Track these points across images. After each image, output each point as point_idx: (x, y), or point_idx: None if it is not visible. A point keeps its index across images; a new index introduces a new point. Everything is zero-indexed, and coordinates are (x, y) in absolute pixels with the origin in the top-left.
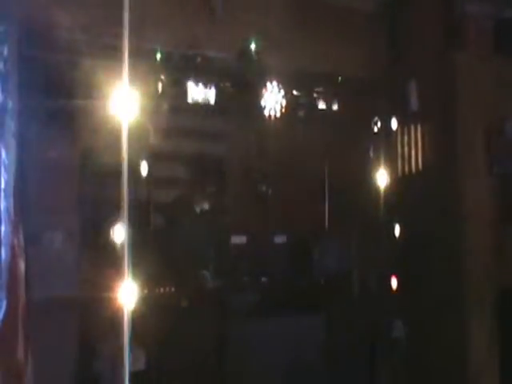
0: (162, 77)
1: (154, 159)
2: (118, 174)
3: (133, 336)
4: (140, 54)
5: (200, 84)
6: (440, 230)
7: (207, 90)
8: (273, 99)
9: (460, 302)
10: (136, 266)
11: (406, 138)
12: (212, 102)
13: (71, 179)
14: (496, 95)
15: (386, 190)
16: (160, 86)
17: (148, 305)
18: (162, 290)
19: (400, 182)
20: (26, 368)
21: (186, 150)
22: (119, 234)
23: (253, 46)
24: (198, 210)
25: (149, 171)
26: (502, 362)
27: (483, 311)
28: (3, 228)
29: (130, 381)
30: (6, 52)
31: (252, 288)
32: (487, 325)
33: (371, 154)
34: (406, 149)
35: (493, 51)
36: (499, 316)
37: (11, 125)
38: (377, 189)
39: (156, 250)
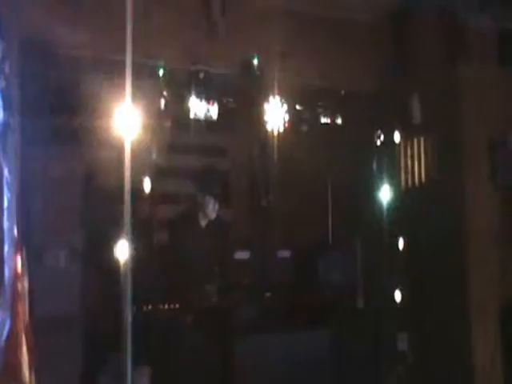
0: (165, 93)
1: (157, 175)
2: (121, 190)
3: (136, 353)
4: (143, 71)
5: (203, 100)
6: (443, 243)
7: (210, 105)
8: (276, 114)
9: (464, 315)
10: (139, 282)
11: (408, 150)
12: (215, 117)
13: (74, 197)
14: (500, 107)
15: (389, 203)
16: (163, 102)
17: (152, 321)
18: (165, 306)
19: (403, 194)
20: None
21: (188, 165)
22: (122, 250)
23: (255, 61)
24: (201, 225)
25: (152, 187)
26: (506, 372)
27: (486, 324)
28: (6, 247)
29: None
30: (7, 69)
31: (256, 303)
32: (491, 338)
33: (374, 167)
34: (409, 161)
35: (496, 63)
36: (502, 329)
37: (14, 143)
38: (380, 202)
39: (159, 266)
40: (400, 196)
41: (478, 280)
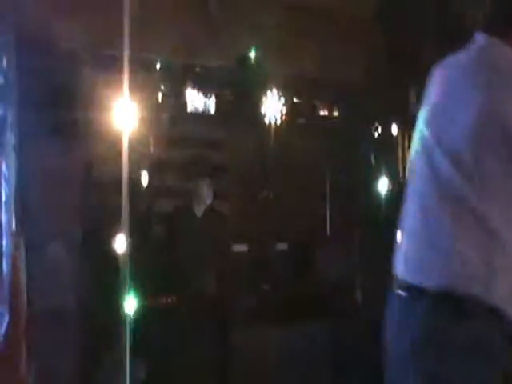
0: (162, 87)
1: (155, 169)
2: (119, 184)
3: (134, 346)
4: (140, 65)
5: (200, 93)
6: None
7: (207, 98)
8: (273, 107)
9: None
10: (137, 276)
11: (406, 142)
12: (212, 110)
13: (72, 190)
14: None
15: (387, 195)
16: (160, 95)
17: (149, 314)
18: (163, 299)
19: (401, 186)
20: (29, 382)
21: (186, 159)
22: (120, 244)
23: (252, 54)
24: (197, 215)
25: (149, 181)
26: None
27: None
28: (4, 241)
29: None
30: (4, 64)
31: (254, 296)
32: None
33: (372, 160)
34: (406, 153)
35: None
36: None
37: (11, 137)
38: (378, 194)
39: (157, 260)
40: (398, 187)
41: None
